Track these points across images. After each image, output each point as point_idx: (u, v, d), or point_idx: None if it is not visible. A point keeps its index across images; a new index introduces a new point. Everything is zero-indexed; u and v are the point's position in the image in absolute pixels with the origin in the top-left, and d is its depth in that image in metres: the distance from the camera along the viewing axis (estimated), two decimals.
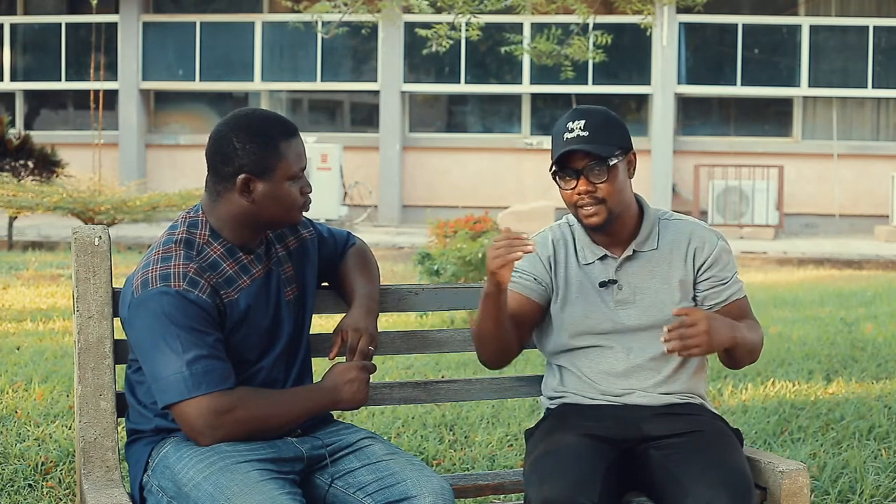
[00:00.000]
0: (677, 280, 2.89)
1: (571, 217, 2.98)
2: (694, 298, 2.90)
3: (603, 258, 2.91)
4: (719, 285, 2.89)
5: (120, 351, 2.76)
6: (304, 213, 2.72)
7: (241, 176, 2.58)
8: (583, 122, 2.80)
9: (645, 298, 2.88)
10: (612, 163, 2.79)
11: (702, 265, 2.89)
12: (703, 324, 2.64)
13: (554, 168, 2.83)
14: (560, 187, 2.84)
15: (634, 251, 2.90)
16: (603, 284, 2.89)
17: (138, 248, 13.46)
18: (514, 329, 2.88)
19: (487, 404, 5.24)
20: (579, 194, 2.81)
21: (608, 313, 2.88)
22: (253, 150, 2.58)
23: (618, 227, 2.88)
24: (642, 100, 17.99)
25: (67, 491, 3.92)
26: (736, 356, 2.82)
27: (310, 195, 2.69)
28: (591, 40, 7.90)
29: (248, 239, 2.66)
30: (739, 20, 18.12)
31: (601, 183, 2.79)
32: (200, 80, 19.13)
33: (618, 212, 2.84)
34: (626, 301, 2.88)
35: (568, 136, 2.80)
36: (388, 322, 7.28)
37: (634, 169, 2.90)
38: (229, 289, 2.59)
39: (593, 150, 2.77)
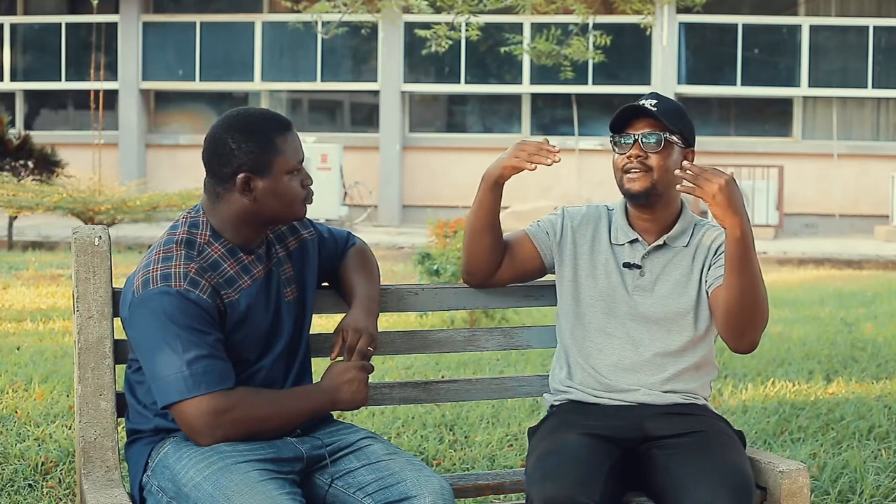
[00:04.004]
0: (697, 277, 2.91)
1: (611, 203, 3.06)
2: (705, 281, 2.90)
3: (633, 242, 2.96)
4: (722, 264, 2.88)
5: (120, 351, 2.76)
6: (307, 208, 2.71)
7: (241, 175, 2.58)
8: (656, 101, 2.92)
9: (662, 289, 2.91)
10: (668, 136, 2.87)
11: (714, 252, 2.92)
12: (723, 179, 2.63)
13: (613, 135, 2.92)
14: (615, 153, 2.93)
15: (665, 242, 2.94)
16: (627, 265, 2.93)
17: (138, 248, 13.46)
18: (501, 245, 2.97)
19: (487, 404, 5.24)
20: (629, 157, 2.88)
21: (625, 297, 2.92)
22: (249, 148, 2.58)
23: (656, 211, 2.93)
24: None
25: (67, 491, 3.92)
26: (744, 280, 2.69)
27: (311, 187, 2.69)
28: (591, 40, 7.91)
29: (250, 238, 2.66)
30: (739, 20, 18.13)
31: (653, 153, 2.87)
32: (200, 80, 19.14)
33: (660, 189, 2.88)
34: (643, 288, 2.91)
35: (637, 104, 2.91)
36: (388, 322, 7.28)
37: None
38: (230, 289, 2.59)
39: (657, 115, 2.86)
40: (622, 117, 2.91)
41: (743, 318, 2.76)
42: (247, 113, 2.63)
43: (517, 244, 3.03)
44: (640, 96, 2.97)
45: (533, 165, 2.80)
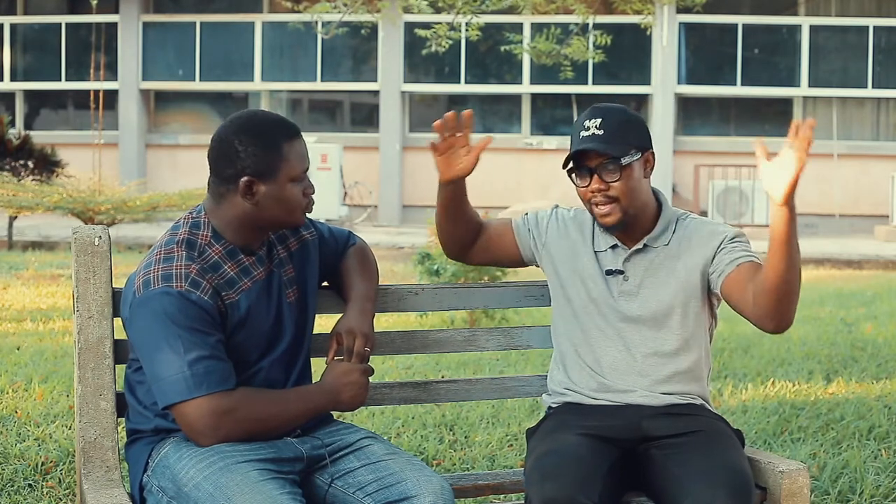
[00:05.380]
0: (682, 275, 2.88)
1: None
2: (710, 274, 2.85)
3: (614, 247, 2.94)
4: (729, 251, 2.82)
5: (120, 351, 2.76)
6: (306, 217, 2.72)
7: (244, 178, 2.58)
8: (599, 120, 2.82)
9: (647, 291, 2.90)
10: (625, 162, 2.81)
11: (717, 245, 2.85)
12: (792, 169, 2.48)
13: (569, 165, 2.86)
14: (575, 185, 2.88)
15: (645, 245, 2.91)
16: (609, 272, 2.92)
17: (138, 248, 13.46)
18: (467, 231, 2.97)
19: (487, 404, 5.24)
20: (593, 192, 2.84)
21: (611, 302, 2.91)
22: (255, 151, 2.57)
23: (633, 225, 2.90)
24: (642, 100, 17.98)
25: (67, 491, 3.92)
26: (791, 258, 2.55)
27: (313, 196, 2.68)
28: (591, 40, 7.91)
29: (250, 240, 2.66)
30: (739, 20, 18.13)
31: (614, 182, 2.82)
32: (200, 80, 19.14)
33: (633, 212, 2.86)
34: (628, 293, 2.90)
35: (584, 133, 2.83)
36: (388, 322, 7.28)
37: (651, 168, 2.92)
38: (230, 290, 2.59)
39: (606, 149, 2.80)
40: (577, 154, 2.84)
41: (787, 296, 2.61)
42: (256, 116, 2.62)
43: (499, 232, 3.03)
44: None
45: (448, 154, 2.81)
